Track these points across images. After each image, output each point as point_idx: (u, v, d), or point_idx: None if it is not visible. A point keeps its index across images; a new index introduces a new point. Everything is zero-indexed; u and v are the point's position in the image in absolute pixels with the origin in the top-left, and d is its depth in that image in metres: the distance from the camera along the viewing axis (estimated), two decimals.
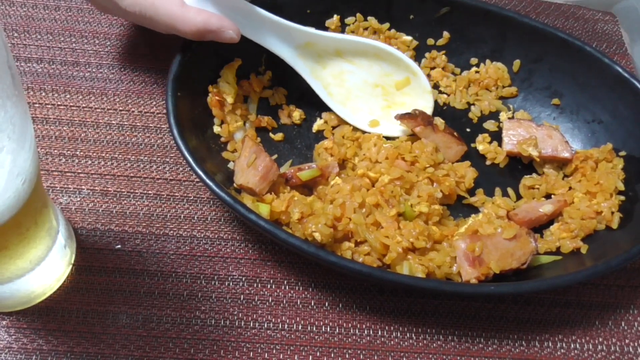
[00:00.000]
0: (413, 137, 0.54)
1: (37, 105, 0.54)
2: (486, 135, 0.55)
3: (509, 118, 0.56)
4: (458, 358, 0.45)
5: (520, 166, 0.54)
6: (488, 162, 0.54)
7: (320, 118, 0.55)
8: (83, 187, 0.50)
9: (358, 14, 0.58)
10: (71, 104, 0.54)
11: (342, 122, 0.55)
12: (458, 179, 0.51)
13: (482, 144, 0.55)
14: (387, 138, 0.54)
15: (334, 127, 0.55)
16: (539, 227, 0.50)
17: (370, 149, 0.51)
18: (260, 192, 0.47)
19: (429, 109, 0.55)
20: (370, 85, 0.55)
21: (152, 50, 0.58)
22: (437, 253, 0.46)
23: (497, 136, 0.56)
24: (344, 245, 0.45)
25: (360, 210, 0.46)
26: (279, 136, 0.54)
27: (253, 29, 0.50)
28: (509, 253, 0.46)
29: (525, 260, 0.46)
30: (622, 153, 0.52)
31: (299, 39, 0.52)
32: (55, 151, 0.51)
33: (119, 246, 0.47)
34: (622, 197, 0.50)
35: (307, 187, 0.50)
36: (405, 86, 0.55)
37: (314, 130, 0.55)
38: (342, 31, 0.58)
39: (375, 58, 0.54)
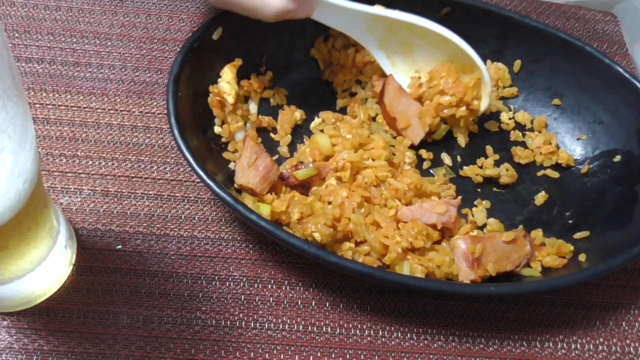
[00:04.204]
0: None
1: (38, 105, 0.54)
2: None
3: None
4: (459, 358, 0.45)
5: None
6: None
7: (318, 117, 0.55)
8: (84, 187, 0.50)
9: None
10: (72, 105, 0.54)
11: (339, 120, 0.55)
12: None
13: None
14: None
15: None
16: None
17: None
18: (260, 192, 0.47)
19: (484, 105, 0.54)
20: (438, 63, 0.54)
21: (153, 50, 0.58)
22: (437, 253, 0.46)
23: (496, 136, 0.56)
24: (344, 245, 0.45)
25: (359, 210, 0.46)
26: (280, 137, 0.54)
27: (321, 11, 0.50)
28: (505, 255, 0.46)
29: (519, 264, 0.46)
30: (617, 158, 0.52)
31: (370, 15, 0.52)
32: (56, 151, 0.51)
33: (120, 246, 0.47)
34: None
35: (306, 187, 0.50)
36: (471, 73, 0.53)
37: (311, 129, 0.55)
38: None
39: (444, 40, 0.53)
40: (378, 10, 0.52)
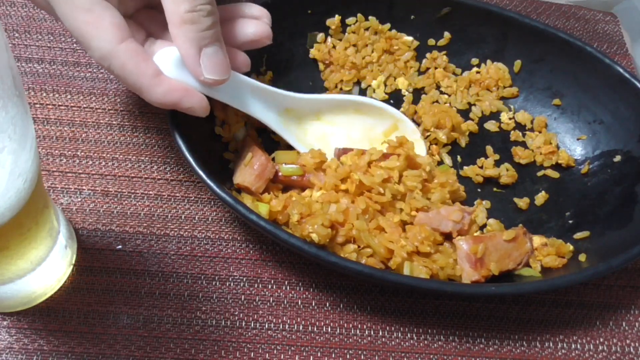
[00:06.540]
0: None
1: (38, 105, 0.54)
2: None
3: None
4: (459, 358, 0.45)
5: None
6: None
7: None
8: (84, 187, 0.50)
9: (359, 14, 0.58)
10: (72, 105, 0.54)
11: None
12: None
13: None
14: None
15: None
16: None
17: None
18: (256, 190, 0.47)
19: (423, 151, 0.53)
20: (355, 141, 0.53)
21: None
22: (440, 254, 0.45)
23: (496, 136, 0.56)
24: (347, 247, 0.45)
25: (363, 217, 0.46)
26: (280, 136, 0.54)
27: (236, 97, 0.47)
28: (507, 254, 0.46)
29: (520, 261, 0.46)
30: (617, 158, 0.52)
31: (279, 105, 0.50)
32: (56, 151, 0.51)
33: (120, 247, 0.47)
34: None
35: (304, 189, 0.50)
36: (394, 132, 0.53)
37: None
38: (343, 31, 0.58)
39: (355, 113, 0.53)
40: (283, 92, 0.49)
